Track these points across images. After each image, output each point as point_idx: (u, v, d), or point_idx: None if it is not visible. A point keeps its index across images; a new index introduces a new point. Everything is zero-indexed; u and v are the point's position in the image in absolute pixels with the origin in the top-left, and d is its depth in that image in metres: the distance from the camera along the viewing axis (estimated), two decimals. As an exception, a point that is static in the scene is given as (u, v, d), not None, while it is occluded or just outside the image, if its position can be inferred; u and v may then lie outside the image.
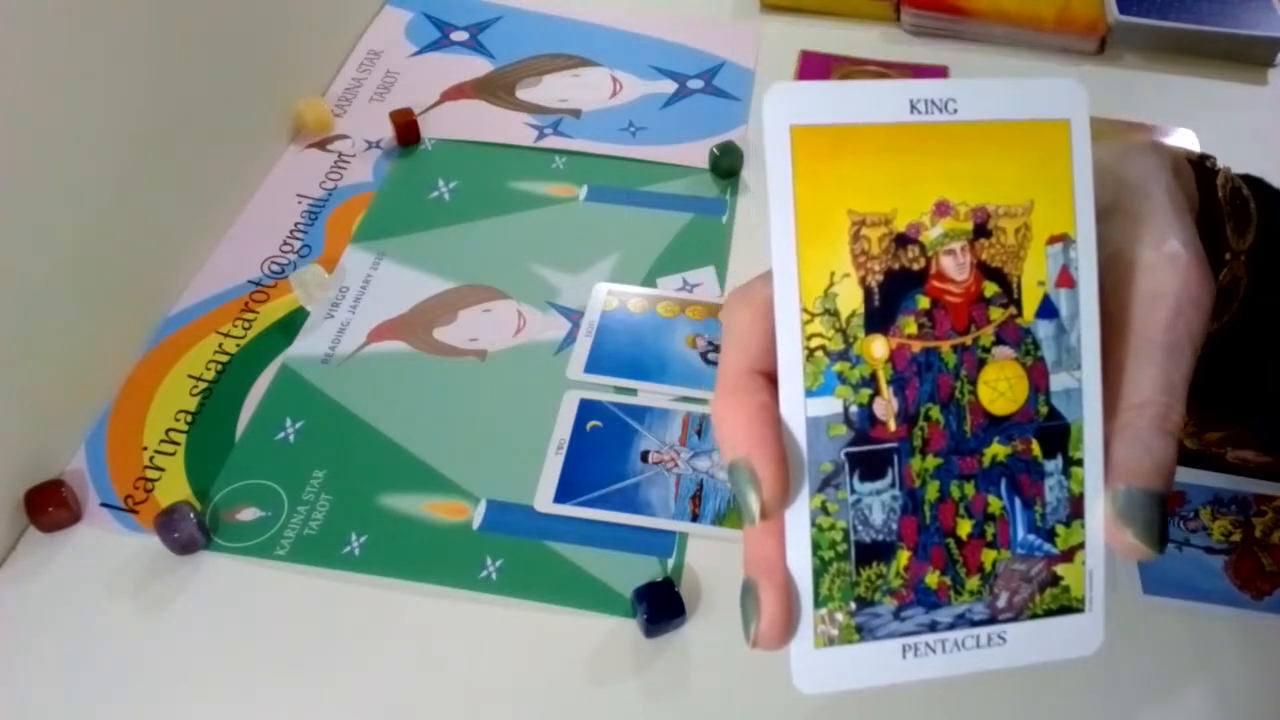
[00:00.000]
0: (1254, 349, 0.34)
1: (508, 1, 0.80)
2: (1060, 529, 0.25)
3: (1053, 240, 0.25)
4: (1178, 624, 0.45)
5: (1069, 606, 0.26)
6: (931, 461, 0.25)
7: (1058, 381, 0.25)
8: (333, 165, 0.66)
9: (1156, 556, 0.25)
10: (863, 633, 0.25)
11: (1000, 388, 0.25)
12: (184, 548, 0.46)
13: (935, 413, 0.24)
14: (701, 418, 0.52)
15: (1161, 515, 0.25)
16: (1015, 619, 0.25)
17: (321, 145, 0.67)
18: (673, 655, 0.44)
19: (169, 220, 0.57)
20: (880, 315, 0.24)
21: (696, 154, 0.67)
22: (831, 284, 0.24)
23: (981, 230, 0.24)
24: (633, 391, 0.54)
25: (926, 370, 0.24)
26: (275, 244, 0.61)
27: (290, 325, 0.56)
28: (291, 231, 0.62)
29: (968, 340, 0.25)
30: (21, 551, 0.47)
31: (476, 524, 0.48)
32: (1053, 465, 0.25)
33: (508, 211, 0.63)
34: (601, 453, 0.51)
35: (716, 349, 0.55)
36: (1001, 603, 0.25)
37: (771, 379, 0.24)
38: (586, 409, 0.53)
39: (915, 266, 0.24)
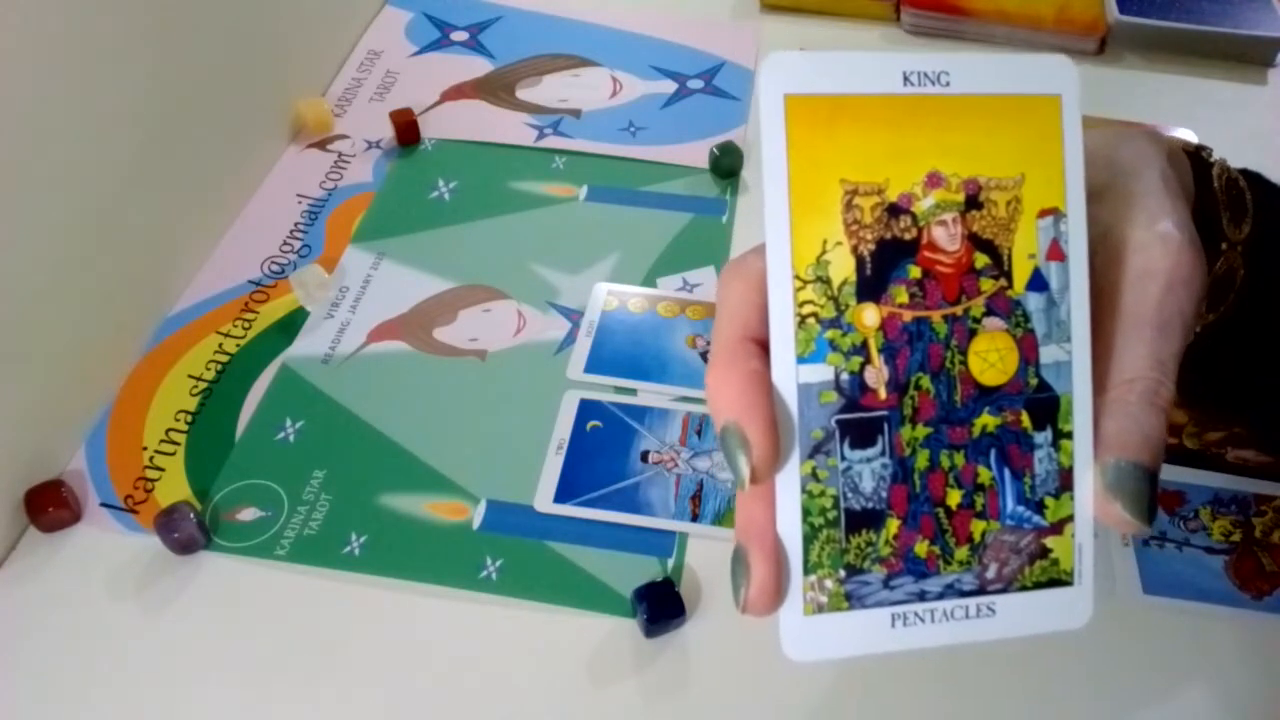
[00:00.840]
0: (1251, 340, 0.35)
1: (508, 1, 0.80)
2: (1049, 501, 0.25)
3: (1043, 213, 0.25)
4: (1178, 624, 0.45)
5: (1058, 579, 0.26)
6: (921, 430, 0.25)
7: (1048, 354, 0.25)
8: (333, 165, 0.66)
9: (1145, 530, 0.25)
10: (852, 600, 0.25)
11: (990, 358, 0.25)
12: (184, 548, 0.46)
13: (926, 382, 0.25)
14: (701, 418, 0.52)
15: (1151, 489, 0.25)
16: (1004, 590, 0.25)
17: (321, 145, 0.67)
18: (673, 655, 0.44)
19: (169, 220, 0.57)
20: (872, 284, 0.24)
21: (696, 154, 0.67)
22: (824, 252, 0.24)
23: (973, 202, 0.25)
24: (633, 391, 0.54)
25: (917, 339, 0.25)
26: (275, 244, 0.61)
27: (290, 325, 0.56)
28: (291, 231, 0.62)
29: (958, 310, 0.25)
30: (21, 551, 0.47)
31: (476, 524, 0.48)
32: (1042, 437, 0.25)
33: (508, 211, 0.63)
34: (601, 453, 0.51)
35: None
36: (990, 574, 0.25)
37: (764, 347, 0.25)
38: (586, 409, 0.53)
39: (907, 236, 0.24)
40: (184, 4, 0.56)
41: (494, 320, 0.57)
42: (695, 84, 0.73)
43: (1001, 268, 0.25)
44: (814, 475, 0.24)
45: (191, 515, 0.46)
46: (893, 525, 0.25)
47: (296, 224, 0.62)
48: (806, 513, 0.24)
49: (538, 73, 0.74)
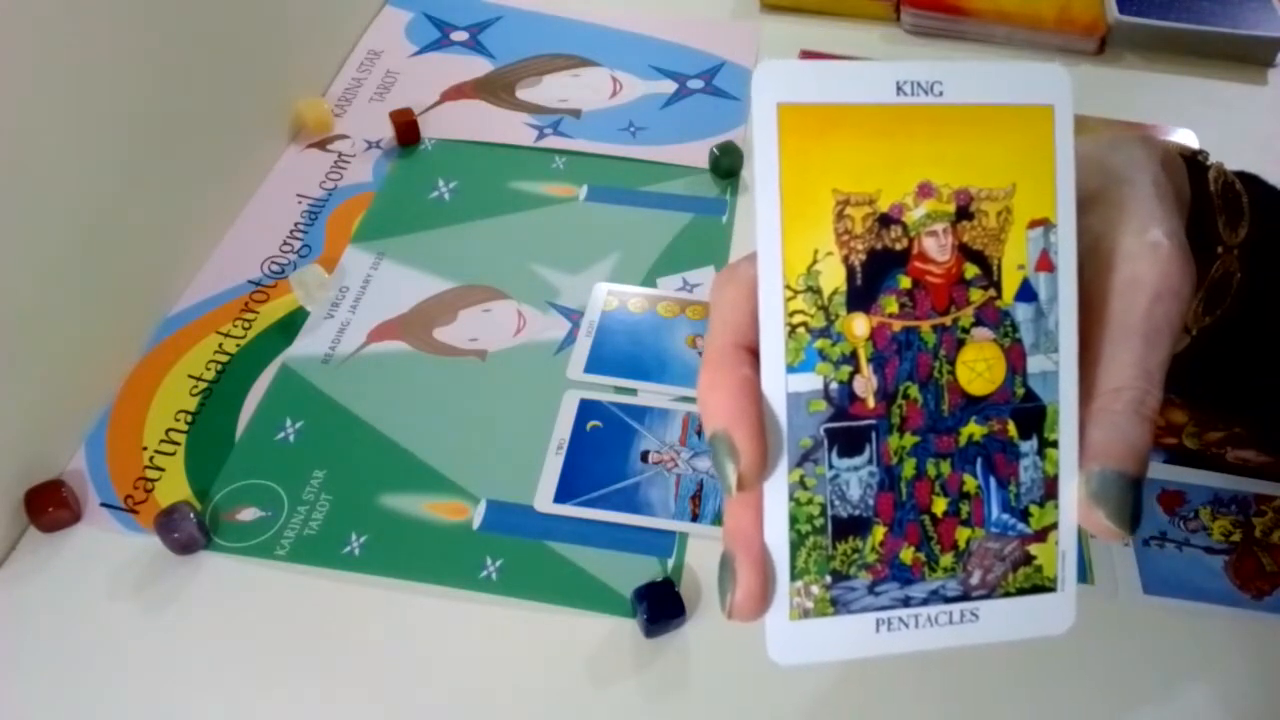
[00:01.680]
0: (1249, 342, 0.35)
1: (508, 1, 0.80)
2: (1034, 509, 0.26)
3: (1034, 224, 0.25)
4: (1178, 624, 0.45)
5: (1041, 586, 0.26)
6: (909, 439, 0.25)
7: (1035, 364, 0.25)
8: (333, 165, 0.66)
9: (1127, 538, 0.25)
10: (837, 606, 0.25)
11: (978, 368, 0.25)
12: (184, 548, 0.46)
13: (914, 391, 0.25)
14: (701, 418, 0.52)
15: (1135, 498, 0.25)
16: (988, 596, 0.26)
17: (321, 145, 0.67)
18: (673, 655, 0.44)
19: (169, 220, 0.57)
20: (862, 294, 0.24)
21: (696, 154, 0.67)
22: (815, 262, 0.24)
23: (964, 212, 0.25)
24: (633, 391, 0.54)
25: (906, 349, 0.25)
26: (275, 244, 0.61)
27: (290, 325, 0.56)
28: (291, 231, 0.62)
29: (947, 320, 0.25)
30: (21, 551, 0.47)
31: (476, 524, 0.48)
32: (1028, 446, 0.25)
33: (508, 211, 0.63)
34: (601, 453, 0.51)
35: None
36: (975, 580, 0.26)
37: (755, 354, 0.25)
38: (586, 409, 0.53)
39: (898, 246, 0.25)
40: (184, 4, 0.56)
41: (494, 320, 0.57)
42: (695, 84, 0.73)
43: (991, 278, 0.25)
44: (802, 483, 0.24)
45: (191, 515, 0.46)
46: (879, 532, 0.25)
47: (296, 224, 0.62)
48: (794, 520, 0.25)
49: (538, 73, 0.74)
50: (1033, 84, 0.25)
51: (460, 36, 0.77)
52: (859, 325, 0.24)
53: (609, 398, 0.53)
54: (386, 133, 0.67)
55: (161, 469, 0.50)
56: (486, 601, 0.46)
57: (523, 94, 0.72)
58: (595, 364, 0.55)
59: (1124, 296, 0.26)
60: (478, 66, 0.74)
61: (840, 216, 0.24)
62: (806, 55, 0.76)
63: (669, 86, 0.73)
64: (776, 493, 0.24)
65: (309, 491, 0.49)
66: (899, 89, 0.24)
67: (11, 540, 0.47)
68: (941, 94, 0.24)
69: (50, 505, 0.47)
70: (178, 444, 0.51)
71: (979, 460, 0.25)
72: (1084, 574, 0.47)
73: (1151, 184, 0.28)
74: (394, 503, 0.49)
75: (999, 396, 0.25)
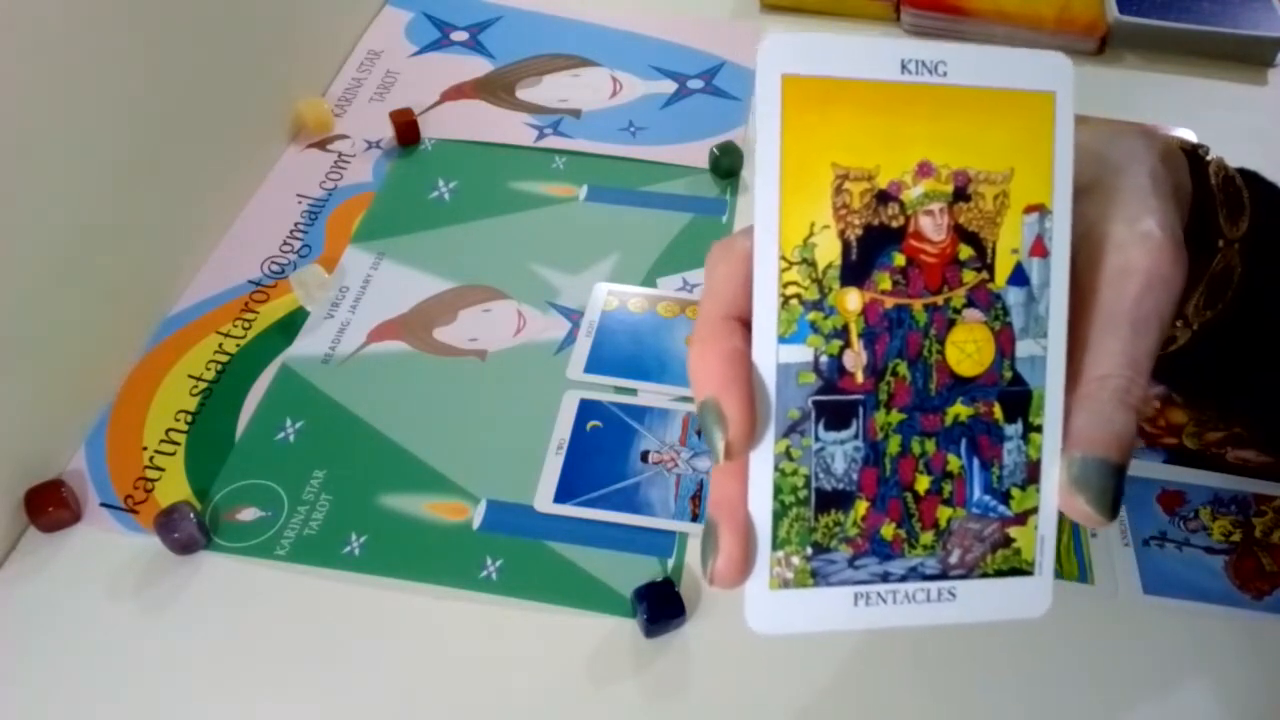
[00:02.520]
0: (1249, 337, 0.35)
1: (508, 1, 0.80)
2: (1016, 492, 0.26)
3: (1029, 209, 0.25)
4: (1178, 624, 0.45)
5: (1019, 568, 0.26)
6: (895, 416, 0.25)
7: (1024, 348, 0.26)
8: (333, 165, 0.66)
9: (1106, 524, 0.25)
10: (817, 578, 0.25)
11: (968, 349, 0.25)
12: (184, 548, 0.46)
13: (903, 369, 0.25)
14: (701, 418, 0.52)
15: (1116, 485, 0.25)
16: (966, 576, 0.26)
17: (321, 145, 0.67)
18: (673, 655, 0.44)
19: (169, 220, 0.57)
20: (856, 269, 0.25)
21: (696, 154, 0.67)
22: (811, 234, 0.24)
23: (961, 194, 0.25)
24: (633, 391, 0.54)
25: (897, 326, 0.25)
26: (275, 244, 0.61)
27: (290, 325, 0.56)
28: (291, 231, 0.62)
29: (939, 300, 0.25)
30: (21, 551, 0.47)
31: (476, 524, 0.48)
32: (1013, 429, 0.26)
33: (508, 211, 0.63)
34: (601, 453, 0.51)
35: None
36: (953, 559, 0.26)
37: (747, 326, 0.25)
38: (586, 409, 0.53)
39: (894, 224, 0.25)
40: (184, 4, 0.56)
41: (494, 320, 0.57)
42: (695, 84, 0.73)
43: (984, 260, 0.25)
44: (788, 454, 0.25)
45: (191, 515, 0.46)
46: (861, 507, 0.25)
47: (296, 224, 0.62)
48: (778, 490, 0.25)
49: (538, 73, 0.74)
50: (1036, 70, 0.25)
51: (460, 36, 0.77)
52: (852, 300, 0.25)
53: (609, 398, 0.53)
54: (386, 133, 0.67)
55: (161, 469, 0.50)
56: (486, 601, 0.46)
57: (523, 94, 0.72)
58: (595, 364, 0.55)
59: (1114, 285, 0.26)
60: (478, 66, 0.74)
61: (839, 191, 0.24)
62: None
63: (669, 86, 0.73)
64: (762, 462, 0.25)
65: (309, 491, 0.49)
66: (904, 67, 0.24)
67: (11, 540, 0.47)
68: (946, 74, 0.24)
69: (50, 505, 0.47)
70: (178, 444, 0.51)
71: (964, 441, 0.26)
72: (1084, 574, 0.47)
73: (1148, 175, 0.28)
74: (394, 503, 0.49)
75: (987, 379, 0.25)
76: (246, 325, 0.56)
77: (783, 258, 0.24)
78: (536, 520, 0.48)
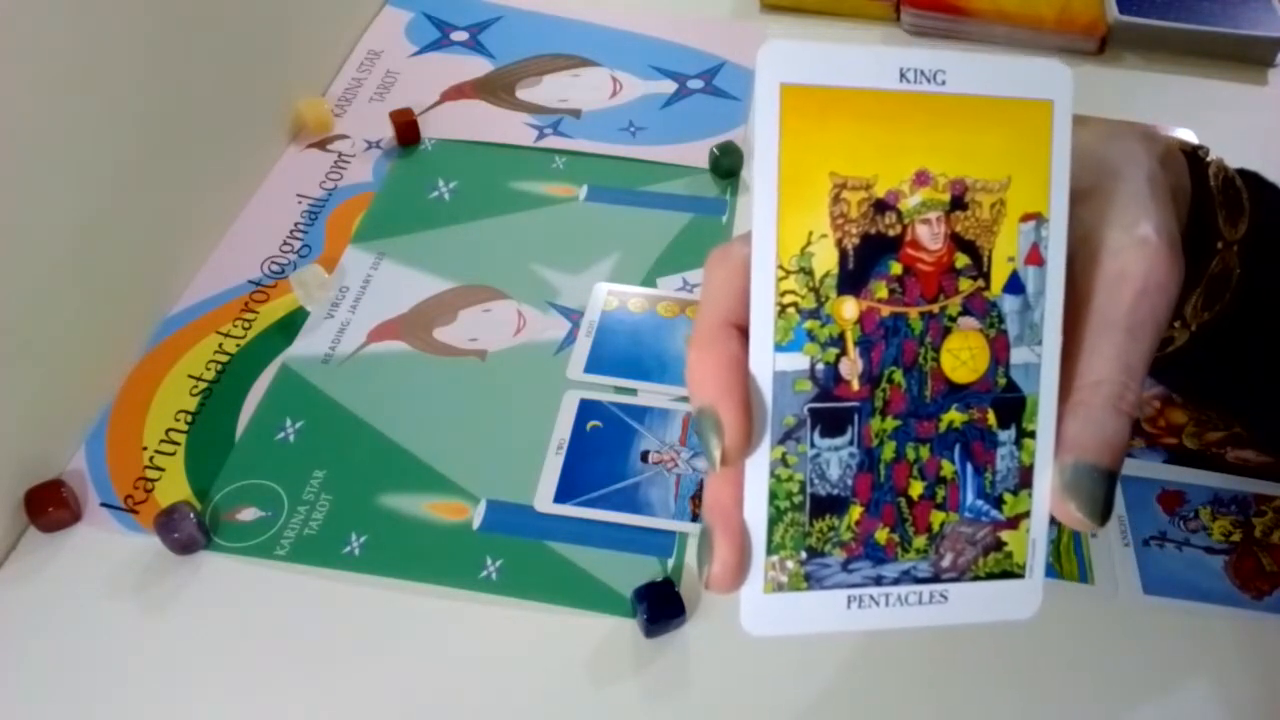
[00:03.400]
0: (1248, 339, 0.35)
1: (508, 1, 0.80)
2: (1008, 497, 0.26)
3: (1026, 218, 0.25)
4: (1178, 624, 0.45)
5: (1010, 572, 0.26)
6: (890, 423, 0.25)
7: (1018, 355, 0.26)
8: (333, 165, 0.66)
9: (1097, 530, 0.26)
10: (811, 581, 0.25)
11: (962, 356, 0.26)
12: (184, 548, 0.46)
13: (898, 376, 0.25)
14: (701, 418, 0.52)
15: (1107, 491, 0.25)
16: (958, 579, 0.26)
17: (321, 145, 0.67)
18: (673, 655, 0.44)
19: (169, 220, 0.57)
20: (853, 277, 0.25)
21: (696, 154, 0.67)
22: (809, 243, 0.24)
23: (958, 202, 0.25)
24: (633, 391, 0.54)
25: (893, 334, 0.25)
26: (275, 244, 0.61)
27: (290, 325, 0.56)
28: (291, 231, 0.62)
29: (935, 308, 0.25)
30: (21, 551, 0.47)
31: (476, 524, 0.48)
32: (1006, 435, 0.26)
33: (508, 211, 0.63)
34: (601, 453, 0.51)
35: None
36: (946, 563, 0.26)
37: (744, 332, 0.25)
38: (586, 409, 0.53)
39: (891, 233, 0.25)
40: (184, 4, 0.56)
41: (494, 320, 0.57)
42: (695, 84, 0.73)
43: (980, 269, 0.25)
44: (783, 460, 0.25)
45: (191, 515, 0.46)
46: (855, 512, 0.25)
47: (296, 224, 0.62)
48: (773, 496, 0.25)
49: (538, 73, 0.74)
50: (1034, 79, 0.25)
51: (460, 36, 0.77)
52: (848, 308, 0.25)
53: (609, 398, 0.53)
54: (386, 133, 0.67)
55: (161, 469, 0.50)
56: (486, 601, 0.46)
57: (523, 94, 0.72)
58: (595, 364, 0.55)
59: (1109, 290, 0.26)
60: (478, 66, 0.74)
61: (836, 200, 0.24)
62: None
63: (669, 86, 0.73)
64: (758, 469, 0.25)
65: (309, 491, 0.49)
66: (902, 75, 0.24)
67: (11, 540, 0.47)
68: (944, 83, 0.25)
69: (50, 505, 0.47)
70: (178, 444, 0.51)
71: (957, 446, 0.26)
72: (1084, 574, 0.47)
73: (1145, 179, 0.28)
74: (394, 503, 0.49)
75: (981, 385, 0.26)
76: (246, 325, 0.56)
77: (780, 267, 0.24)
78: (536, 520, 0.48)
